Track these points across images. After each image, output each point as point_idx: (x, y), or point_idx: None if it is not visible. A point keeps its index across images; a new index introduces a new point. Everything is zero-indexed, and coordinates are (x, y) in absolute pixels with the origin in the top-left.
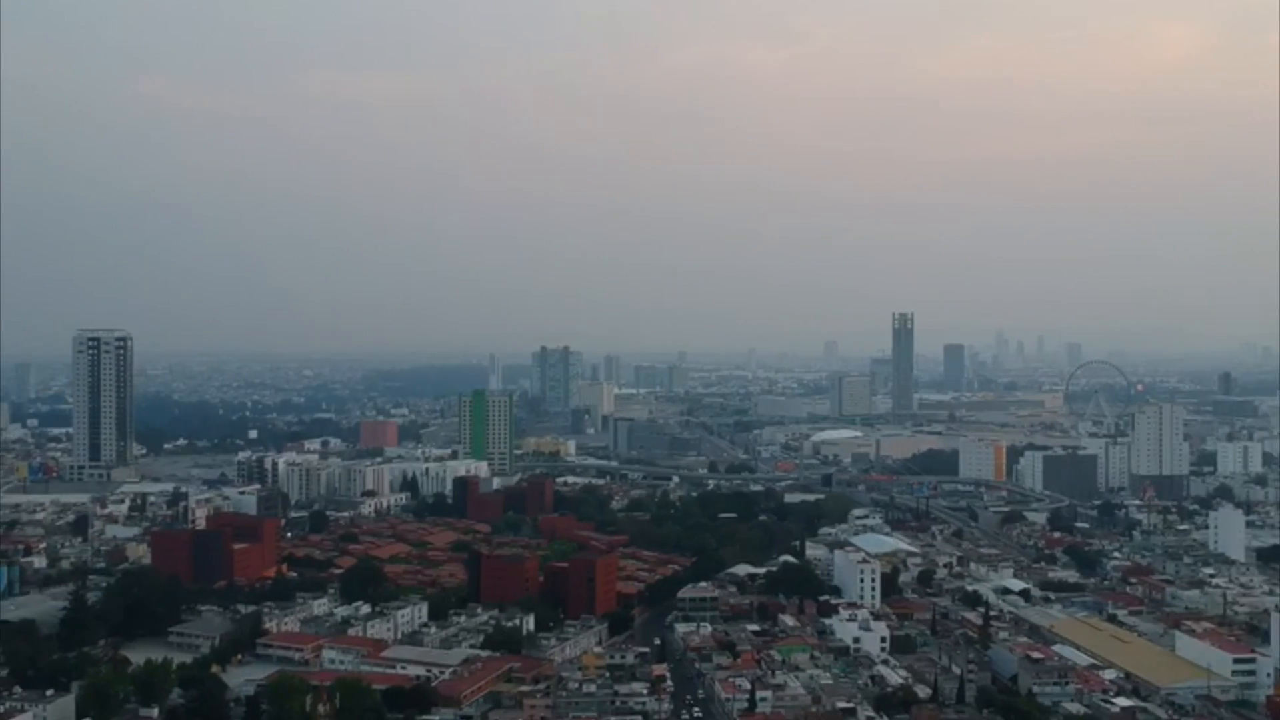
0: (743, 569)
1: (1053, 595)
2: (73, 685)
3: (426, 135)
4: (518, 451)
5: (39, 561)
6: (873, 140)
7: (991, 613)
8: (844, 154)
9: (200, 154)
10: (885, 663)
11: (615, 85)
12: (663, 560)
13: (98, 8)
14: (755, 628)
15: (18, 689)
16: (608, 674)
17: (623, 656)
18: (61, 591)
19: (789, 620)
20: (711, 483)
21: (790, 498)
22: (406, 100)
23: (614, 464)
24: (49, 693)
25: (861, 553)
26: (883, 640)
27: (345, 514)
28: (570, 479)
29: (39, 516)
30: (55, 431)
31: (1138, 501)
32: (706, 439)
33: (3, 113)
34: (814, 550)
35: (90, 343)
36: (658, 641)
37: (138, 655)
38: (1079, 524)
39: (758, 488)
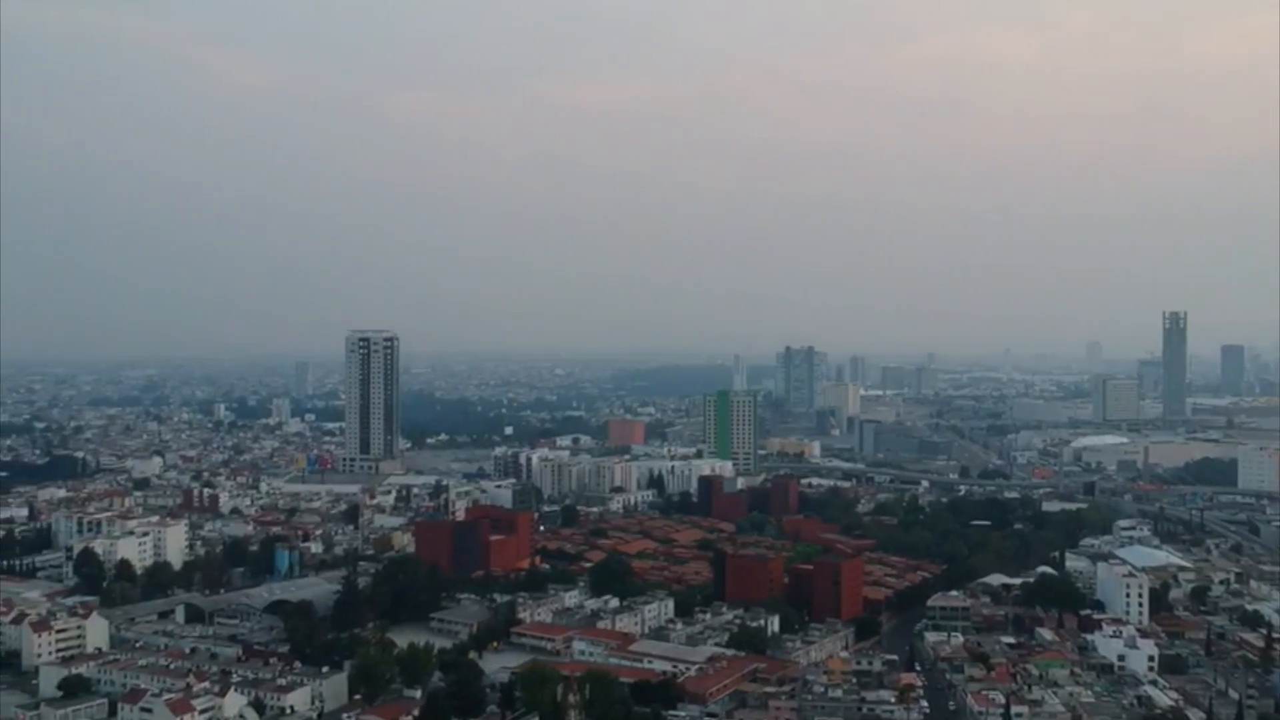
0: (996, 579)
1: None
2: (345, 664)
3: (664, 139)
4: (762, 452)
5: (315, 547)
6: (1138, 127)
7: (1275, 634)
8: (1102, 142)
9: (456, 162)
10: (1153, 683)
11: (859, 79)
12: (911, 566)
13: (368, 33)
14: (1010, 640)
15: (297, 664)
16: (854, 680)
17: (870, 663)
18: (335, 576)
19: (1047, 634)
20: (963, 488)
21: (1048, 506)
22: (645, 106)
23: (860, 466)
24: (324, 669)
25: (1127, 566)
26: (1150, 659)
27: (594, 509)
28: (815, 480)
29: (315, 505)
30: (330, 426)
31: None
32: (957, 443)
33: (285, 129)
34: (1074, 562)
35: (361, 343)
36: (907, 649)
37: (402, 638)
38: None
39: (1013, 494)
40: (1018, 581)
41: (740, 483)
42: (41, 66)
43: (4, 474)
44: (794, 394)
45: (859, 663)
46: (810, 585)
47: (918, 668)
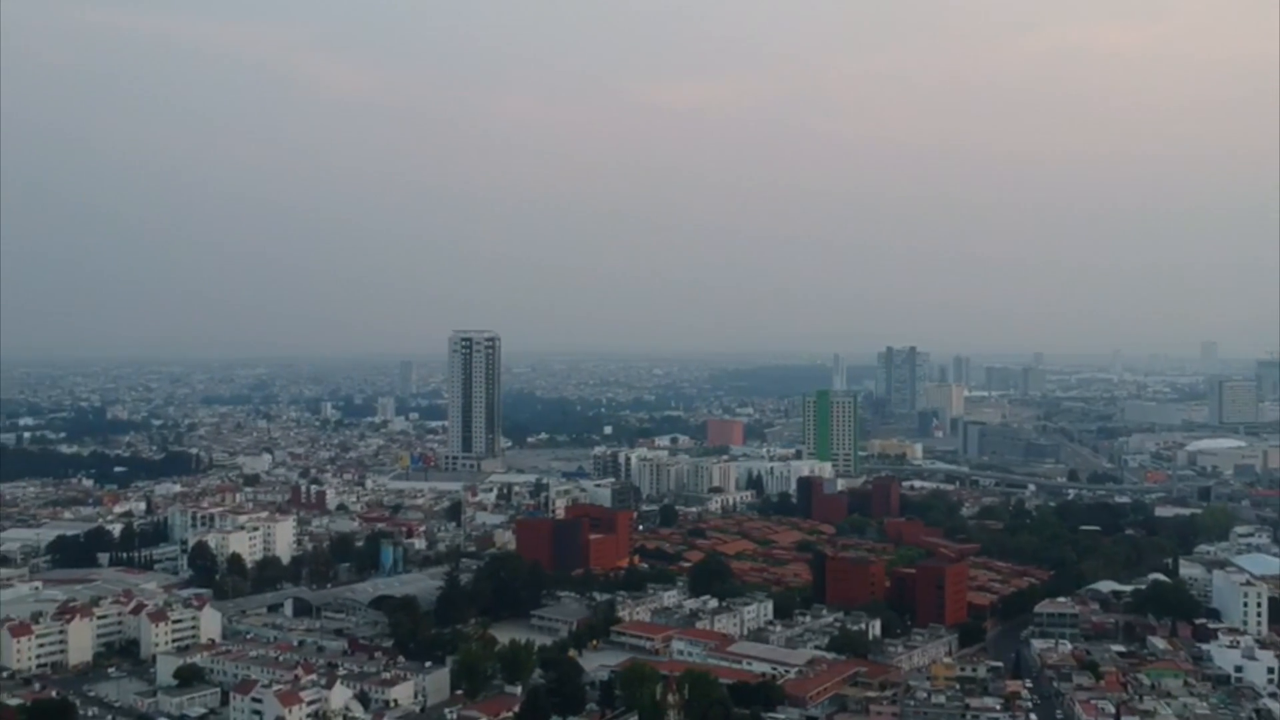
0: (1106, 585)
1: None
2: (447, 659)
3: (758, 138)
4: (862, 453)
5: (419, 543)
6: (1255, 117)
7: None
8: (1216, 134)
9: (553, 166)
10: (1273, 696)
11: (962, 75)
12: (1017, 571)
13: (467, 41)
14: (1120, 648)
15: (401, 659)
16: (958, 686)
17: (974, 669)
18: (438, 572)
19: (1159, 643)
20: (1071, 492)
21: (1161, 511)
22: (739, 105)
23: (964, 469)
24: (427, 664)
25: (1245, 574)
26: (1270, 671)
27: (693, 509)
28: (917, 483)
29: (419, 502)
30: (433, 424)
31: None
32: (1065, 445)
33: (386, 136)
34: (1189, 569)
35: (463, 343)
36: (1012, 656)
37: (503, 635)
38: None
39: (1124, 499)
40: (1129, 588)
41: (840, 484)
42: (156, 80)
43: (124, 469)
44: (895, 394)
45: (963, 669)
46: (913, 589)
47: (1024, 675)
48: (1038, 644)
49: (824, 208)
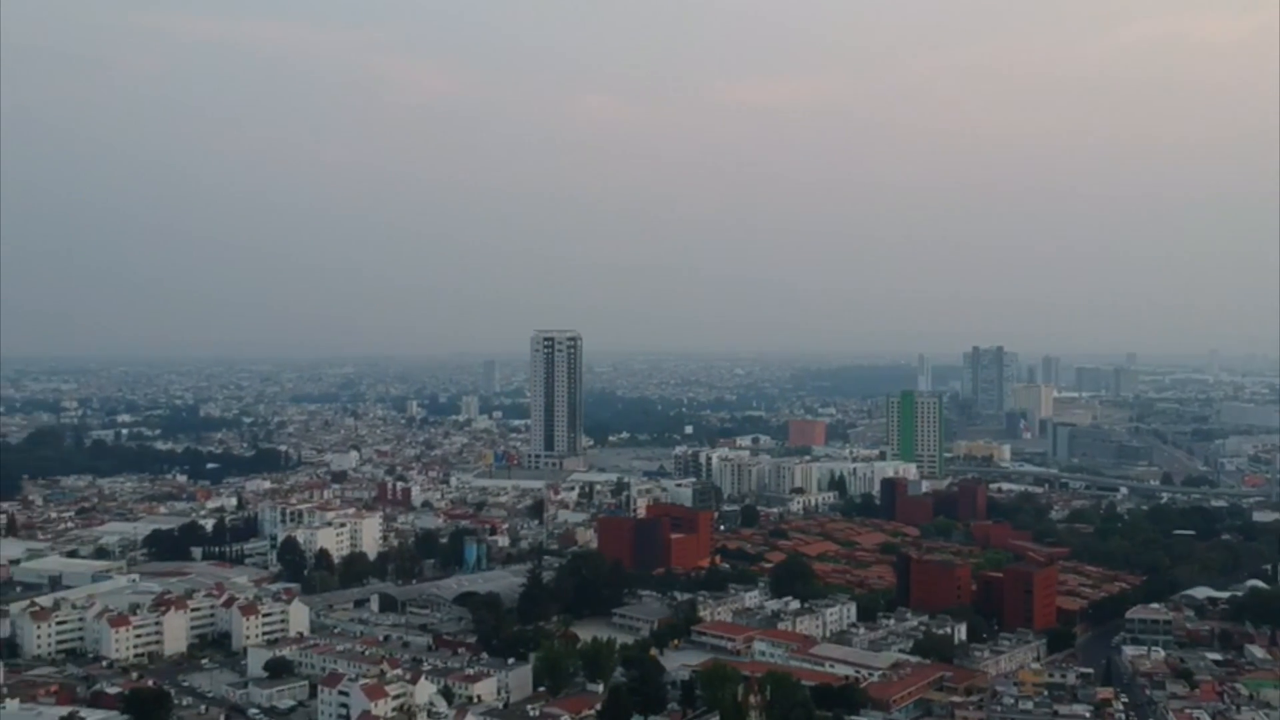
0: (1201, 592)
1: None
2: (530, 656)
3: (841, 135)
4: (948, 454)
5: (502, 540)
6: None
7: None
8: None
9: (633, 165)
10: None
11: (1052, 67)
12: (1108, 576)
13: (546, 39)
14: (1217, 657)
15: (484, 655)
16: (1046, 692)
17: (1063, 675)
18: (521, 569)
19: (1258, 652)
20: (1165, 496)
21: (1260, 516)
22: (822, 103)
23: (1053, 471)
24: (510, 661)
25: None
26: None
27: (774, 510)
28: (1005, 485)
29: (502, 500)
30: (516, 423)
31: None
32: (1159, 448)
33: (465, 136)
34: None
35: (546, 342)
36: (1103, 663)
37: (585, 632)
38: None
39: (1220, 503)
40: (1225, 595)
41: (925, 486)
42: (236, 81)
43: (216, 466)
44: (982, 395)
45: (1052, 675)
46: (1000, 593)
47: (1115, 683)
48: (1129, 651)
49: (908, 205)
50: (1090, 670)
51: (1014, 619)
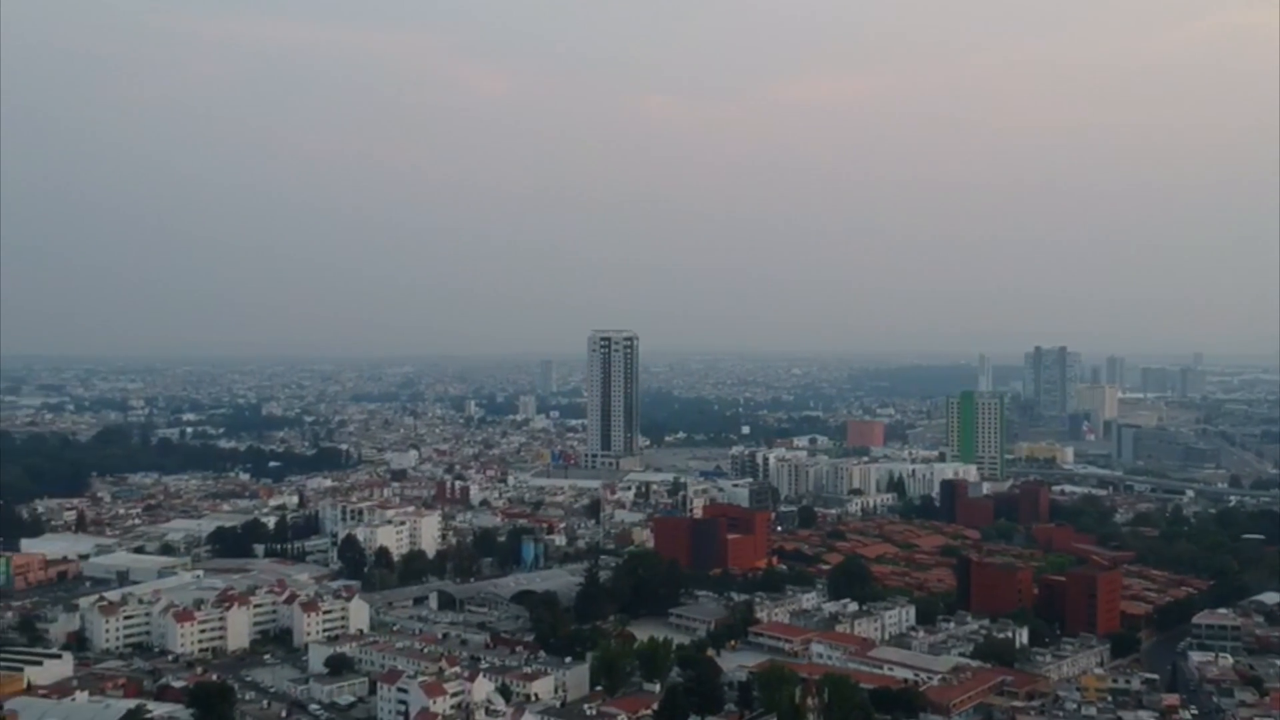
0: (1271, 597)
1: None
2: (587, 655)
3: (899, 133)
4: (1009, 456)
5: (559, 539)
6: None
7: None
8: None
9: (693, 163)
10: None
11: (1119, 62)
12: (1174, 581)
13: (606, 40)
14: None
15: (541, 653)
16: (1110, 698)
17: (1127, 681)
18: (578, 568)
19: None
20: (1233, 499)
21: None
22: (879, 101)
23: (1117, 474)
24: (567, 660)
25: None
26: None
27: (832, 511)
28: (1068, 487)
29: (559, 499)
30: (573, 423)
31: None
32: (1227, 450)
33: (527, 136)
34: None
35: (602, 342)
36: (1169, 669)
37: (641, 632)
38: None
39: None
40: None
41: (985, 488)
42: (313, 84)
43: (278, 464)
44: (1044, 396)
45: (1116, 680)
46: (1063, 597)
47: (1181, 690)
48: (1196, 657)
49: (969, 202)
50: (1155, 676)
51: (1077, 623)
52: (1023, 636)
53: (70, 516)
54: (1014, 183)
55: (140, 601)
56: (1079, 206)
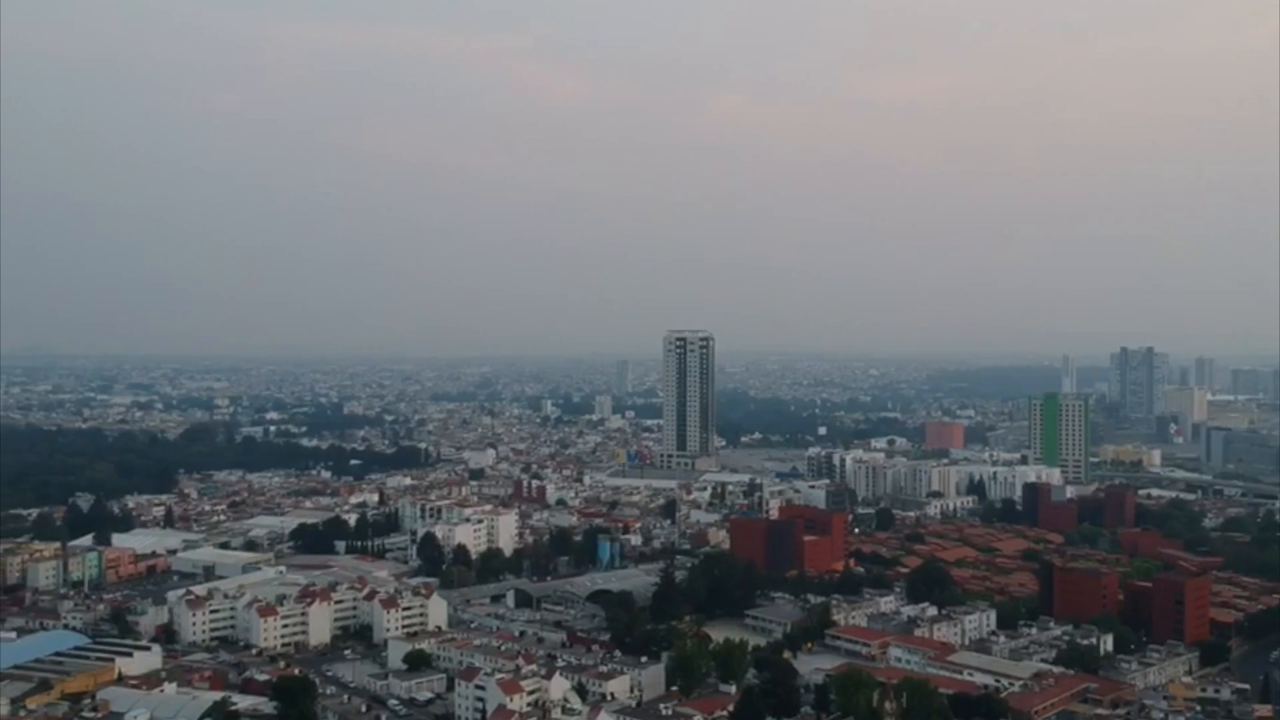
0: None
1: None
2: (662, 655)
3: (978, 130)
4: (1094, 459)
5: (635, 539)
6: None
7: None
8: None
9: (765, 163)
10: None
11: (1208, 57)
12: (1266, 588)
13: (681, 39)
14: None
15: (617, 653)
16: (1199, 707)
17: (1217, 690)
18: (653, 568)
19: None
20: None
21: None
22: (958, 97)
23: (1206, 478)
24: (643, 659)
25: None
26: None
27: (911, 513)
28: (1154, 491)
29: (635, 499)
30: (648, 422)
31: None
32: None
33: (603, 137)
34: None
35: (678, 342)
36: (1261, 679)
37: (717, 633)
38: None
39: None
40: None
41: (1069, 491)
42: (383, 87)
43: (358, 462)
44: (1130, 398)
45: (1204, 690)
46: (1149, 604)
47: (1273, 700)
48: None
49: (1050, 199)
50: (1246, 686)
51: (1164, 630)
52: (1107, 643)
53: (159, 512)
54: (1097, 179)
55: (225, 596)
56: (1169, 203)
